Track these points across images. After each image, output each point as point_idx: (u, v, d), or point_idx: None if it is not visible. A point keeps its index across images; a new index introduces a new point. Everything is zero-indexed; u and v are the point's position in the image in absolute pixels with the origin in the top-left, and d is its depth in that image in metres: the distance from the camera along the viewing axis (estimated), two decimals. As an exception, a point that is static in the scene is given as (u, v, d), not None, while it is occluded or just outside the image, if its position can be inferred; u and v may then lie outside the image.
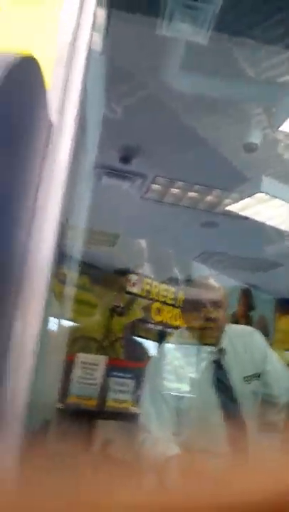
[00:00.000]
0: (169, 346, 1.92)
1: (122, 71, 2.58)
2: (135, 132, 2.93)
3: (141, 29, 2.16)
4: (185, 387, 1.68)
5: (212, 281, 1.78)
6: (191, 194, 3.24)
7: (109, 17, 1.80)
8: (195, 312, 1.71)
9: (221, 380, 1.69)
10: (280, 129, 2.68)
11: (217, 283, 1.78)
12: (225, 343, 1.73)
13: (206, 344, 1.73)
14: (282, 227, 3.40)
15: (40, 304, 0.82)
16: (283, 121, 2.63)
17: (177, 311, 3.69)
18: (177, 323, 3.66)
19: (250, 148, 2.59)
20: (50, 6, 1.04)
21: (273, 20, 2.10)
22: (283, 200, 3.03)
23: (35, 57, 0.76)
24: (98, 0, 1.13)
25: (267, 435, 1.69)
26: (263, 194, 2.99)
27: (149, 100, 2.80)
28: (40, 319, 0.82)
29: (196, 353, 1.74)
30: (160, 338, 3.96)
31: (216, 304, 1.68)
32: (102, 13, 1.59)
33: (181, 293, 3.65)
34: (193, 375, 1.70)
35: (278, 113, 2.71)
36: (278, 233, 3.48)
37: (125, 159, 3.09)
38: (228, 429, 1.58)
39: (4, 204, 0.58)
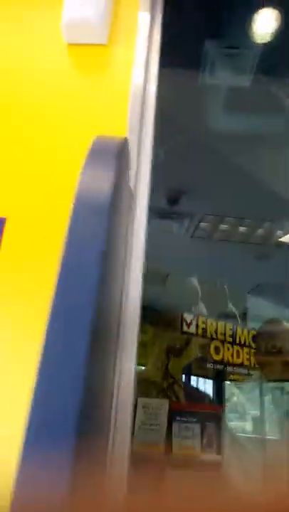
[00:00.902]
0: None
1: (167, 117, 2.68)
2: (182, 173, 2.99)
3: (186, 80, 2.25)
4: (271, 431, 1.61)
5: (287, 326, 1.72)
6: (242, 229, 3.22)
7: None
8: (272, 357, 1.65)
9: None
10: None
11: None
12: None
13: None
14: None
15: (134, 352, 0.84)
16: None
17: (237, 348, 3.59)
18: (239, 360, 3.55)
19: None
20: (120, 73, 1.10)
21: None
22: None
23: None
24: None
25: None
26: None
27: (193, 142, 2.87)
28: (134, 366, 0.83)
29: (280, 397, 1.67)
30: (221, 377, 3.85)
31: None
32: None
33: (239, 329, 3.56)
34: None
35: None
36: None
37: (173, 200, 3.14)
38: None
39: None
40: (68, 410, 0.36)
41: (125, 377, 0.83)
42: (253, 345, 3.55)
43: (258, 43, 1.86)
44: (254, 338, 1.73)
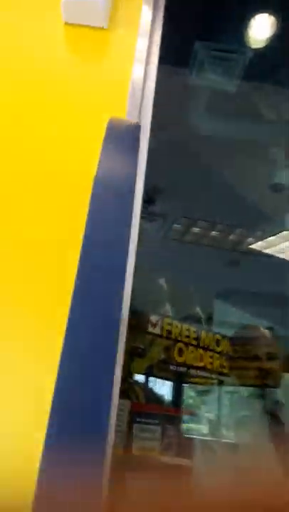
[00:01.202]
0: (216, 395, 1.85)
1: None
2: (159, 173, 2.98)
3: (172, 77, 2.22)
4: (237, 436, 1.61)
5: (264, 332, 1.73)
6: (214, 233, 3.24)
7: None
8: (247, 363, 1.65)
9: (276, 432, 1.62)
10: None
11: (269, 333, 1.73)
12: (281, 394, 1.67)
13: (260, 394, 1.66)
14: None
15: (122, 357, 0.81)
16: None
17: (201, 351, 3.61)
18: (201, 364, 3.57)
19: (276, 188, 2.61)
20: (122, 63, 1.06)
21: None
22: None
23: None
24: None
25: None
26: (288, 232, 2.99)
27: (173, 141, 2.86)
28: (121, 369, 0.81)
29: (249, 403, 1.68)
30: (181, 379, 3.85)
31: (270, 355, 1.63)
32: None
33: (204, 333, 3.58)
34: (245, 425, 1.63)
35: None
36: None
37: (148, 200, 3.12)
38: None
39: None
40: (102, 404, 0.32)
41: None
42: (217, 349, 3.58)
43: (250, 49, 1.86)
44: (232, 340, 1.73)
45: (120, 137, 0.51)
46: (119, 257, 0.40)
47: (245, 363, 1.67)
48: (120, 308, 0.39)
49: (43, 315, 0.80)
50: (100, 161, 0.47)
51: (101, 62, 1.07)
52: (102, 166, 0.46)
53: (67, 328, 0.36)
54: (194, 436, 4.43)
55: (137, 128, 0.55)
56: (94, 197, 0.43)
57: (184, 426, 4.90)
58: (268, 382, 1.64)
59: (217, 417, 4.84)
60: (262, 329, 1.76)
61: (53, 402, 0.33)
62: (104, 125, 0.98)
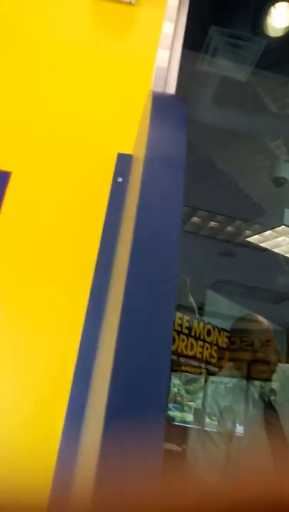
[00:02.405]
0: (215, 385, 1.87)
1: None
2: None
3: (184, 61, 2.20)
4: (233, 425, 1.63)
5: (262, 319, 1.74)
6: (212, 224, 3.24)
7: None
8: (244, 351, 1.67)
9: (269, 420, 1.64)
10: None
11: (266, 321, 1.75)
12: (276, 383, 1.69)
13: (257, 380, 1.68)
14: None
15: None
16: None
17: (192, 340, 3.65)
18: (192, 353, 3.60)
19: (278, 182, 2.61)
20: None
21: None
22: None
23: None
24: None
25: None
26: (285, 227, 3.00)
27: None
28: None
29: (245, 391, 1.70)
30: (172, 367, 3.89)
31: (267, 343, 1.65)
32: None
33: (195, 322, 3.61)
34: (241, 413, 1.65)
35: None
36: (294, 265, 3.50)
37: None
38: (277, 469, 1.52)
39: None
40: (160, 386, 0.32)
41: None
42: (208, 339, 3.62)
43: (265, 37, 1.85)
44: (232, 331, 1.74)
45: (168, 110, 0.50)
46: (173, 227, 0.39)
47: (241, 354, 1.69)
48: (175, 275, 0.38)
49: (67, 283, 0.79)
50: (148, 134, 0.46)
51: (127, 39, 1.05)
52: (151, 139, 0.45)
53: (125, 301, 0.36)
54: (179, 424, 4.49)
55: (181, 101, 0.54)
56: (147, 164, 0.42)
57: (170, 413, 4.95)
58: (263, 370, 1.65)
59: (202, 406, 4.90)
60: (259, 317, 1.77)
61: (113, 376, 0.32)
62: (130, 101, 0.96)
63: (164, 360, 0.34)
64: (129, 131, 0.91)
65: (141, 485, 0.30)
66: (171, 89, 1.01)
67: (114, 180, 0.85)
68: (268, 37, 1.80)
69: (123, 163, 0.86)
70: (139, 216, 0.39)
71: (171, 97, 0.54)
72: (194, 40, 2.11)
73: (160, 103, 0.50)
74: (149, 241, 0.39)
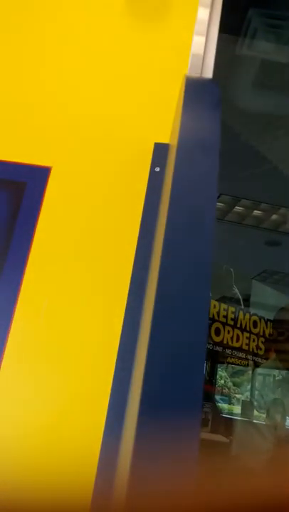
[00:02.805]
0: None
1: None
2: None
3: (222, 45, 2.14)
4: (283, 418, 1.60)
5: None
6: (256, 212, 3.16)
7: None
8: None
9: None
10: None
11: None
12: None
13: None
14: None
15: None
16: None
17: (237, 331, 3.59)
18: (238, 344, 3.55)
19: None
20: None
21: None
22: None
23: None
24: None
25: None
26: None
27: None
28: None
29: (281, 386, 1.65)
30: (216, 358, 3.86)
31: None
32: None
33: (241, 313, 3.55)
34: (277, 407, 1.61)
35: None
36: None
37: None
38: None
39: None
40: (195, 375, 0.31)
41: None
42: (254, 330, 3.55)
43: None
44: (275, 323, 1.68)
45: (201, 94, 0.48)
46: (207, 213, 0.38)
47: (286, 345, 1.63)
48: (210, 262, 0.37)
49: (107, 275, 0.80)
50: (181, 119, 0.45)
51: (163, 25, 1.03)
52: (184, 123, 0.44)
53: (159, 288, 0.35)
54: (227, 416, 4.46)
55: (215, 84, 0.52)
56: (180, 151, 0.41)
57: (217, 405, 4.92)
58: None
59: (249, 398, 4.83)
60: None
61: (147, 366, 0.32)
62: (167, 90, 0.95)
63: (198, 349, 0.34)
64: (165, 120, 0.90)
65: (175, 482, 0.30)
66: (208, 75, 0.99)
67: (152, 170, 0.85)
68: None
69: (160, 152, 0.86)
70: (172, 204, 0.38)
71: (203, 80, 0.52)
72: (233, 24, 2.05)
73: (193, 87, 0.49)
74: (182, 228, 0.38)
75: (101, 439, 0.68)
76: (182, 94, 0.49)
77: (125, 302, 0.76)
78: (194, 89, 0.49)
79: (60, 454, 0.69)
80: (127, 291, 0.77)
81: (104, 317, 0.77)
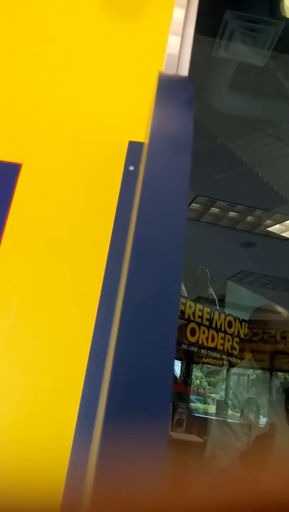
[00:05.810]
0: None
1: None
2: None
3: (199, 47, 2.15)
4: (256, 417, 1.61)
5: (281, 309, 1.70)
6: (232, 214, 3.19)
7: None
8: (265, 343, 1.64)
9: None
10: None
11: (285, 311, 1.71)
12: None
13: (280, 371, 1.65)
14: None
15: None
16: None
17: (213, 332, 3.61)
18: (213, 344, 3.57)
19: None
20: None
21: None
22: None
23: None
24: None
25: None
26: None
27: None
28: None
29: (267, 382, 1.67)
30: (191, 359, 3.88)
31: (286, 335, 1.62)
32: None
33: (216, 314, 3.57)
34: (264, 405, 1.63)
35: None
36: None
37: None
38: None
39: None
40: (166, 377, 0.30)
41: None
42: (229, 331, 3.58)
43: (283, 20, 1.78)
44: (250, 323, 1.70)
45: (174, 90, 0.48)
46: (179, 210, 0.37)
47: (261, 345, 1.66)
48: (180, 263, 0.36)
49: (79, 274, 0.78)
50: (153, 115, 0.44)
51: (138, 24, 1.02)
52: (156, 120, 0.43)
53: (127, 292, 0.34)
54: (202, 416, 4.48)
55: (189, 81, 0.52)
56: (151, 149, 0.40)
57: (192, 405, 4.93)
58: (283, 362, 1.62)
59: (224, 398, 4.88)
60: (278, 308, 1.73)
61: (114, 361, 0.31)
62: (141, 88, 0.94)
63: (168, 350, 0.33)
64: (141, 118, 0.89)
65: (142, 483, 0.29)
66: (184, 74, 0.98)
67: (126, 169, 0.84)
68: (286, 19, 1.74)
69: (135, 151, 0.85)
70: (143, 203, 0.37)
71: (177, 77, 0.52)
72: (210, 26, 2.06)
73: (166, 83, 0.48)
74: (153, 227, 0.37)
75: (71, 442, 0.67)
76: (155, 90, 0.48)
77: (98, 302, 0.75)
78: (167, 85, 0.48)
79: (28, 457, 0.67)
80: (99, 291, 0.75)
81: (75, 317, 0.76)
